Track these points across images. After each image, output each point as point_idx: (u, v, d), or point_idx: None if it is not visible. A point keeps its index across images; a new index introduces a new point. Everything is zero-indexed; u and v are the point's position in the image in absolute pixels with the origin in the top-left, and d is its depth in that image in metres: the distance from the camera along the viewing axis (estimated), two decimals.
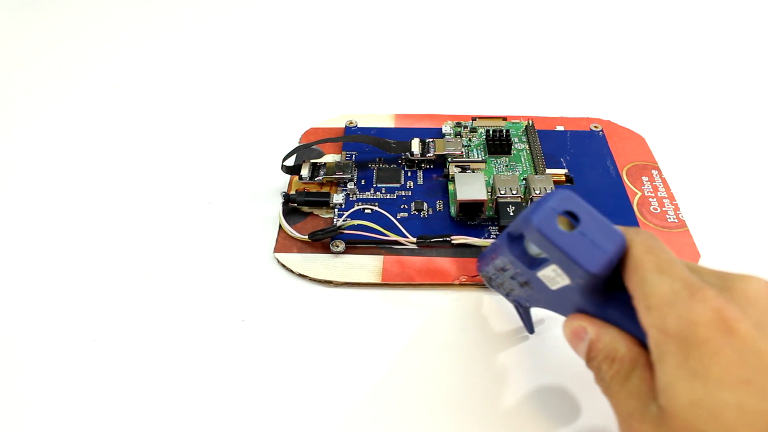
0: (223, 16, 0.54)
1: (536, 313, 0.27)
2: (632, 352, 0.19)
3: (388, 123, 0.40)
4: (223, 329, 0.28)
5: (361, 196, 0.34)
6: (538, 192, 0.31)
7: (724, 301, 0.17)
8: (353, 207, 0.32)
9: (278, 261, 0.31)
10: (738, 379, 0.16)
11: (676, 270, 0.18)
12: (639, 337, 0.19)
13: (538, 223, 0.19)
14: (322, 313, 0.29)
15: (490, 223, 0.32)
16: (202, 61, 0.48)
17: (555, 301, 0.22)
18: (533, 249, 0.21)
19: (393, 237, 0.31)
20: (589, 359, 0.20)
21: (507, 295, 0.26)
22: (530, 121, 0.38)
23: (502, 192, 0.31)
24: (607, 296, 0.20)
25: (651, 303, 0.18)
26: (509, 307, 0.29)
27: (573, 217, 0.19)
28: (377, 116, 0.41)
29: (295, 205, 0.33)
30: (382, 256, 0.31)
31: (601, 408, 0.24)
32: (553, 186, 0.31)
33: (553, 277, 0.20)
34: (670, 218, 0.33)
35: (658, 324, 0.17)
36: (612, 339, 0.19)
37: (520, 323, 0.28)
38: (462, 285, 0.30)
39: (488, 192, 0.33)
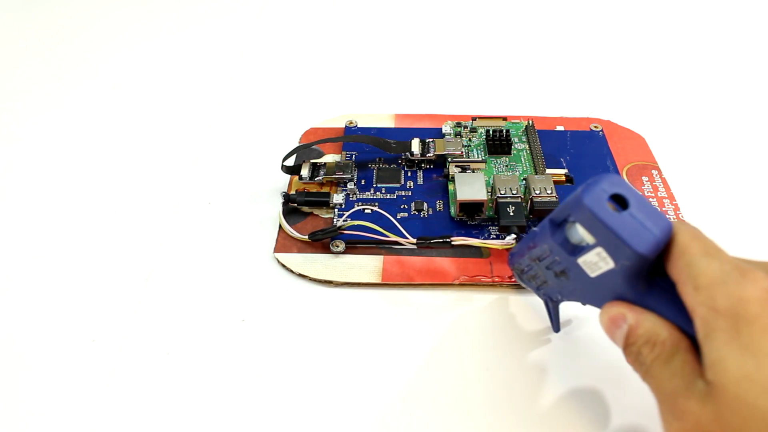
0: (223, 16, 0.54)
1: (538, 316, 0.27)
2: (674, 336, 0.19)
3: (388, 123, 0.40)
4: (223, 329, 0.28)
5: (361, 196, 0.34)
6: (538, 192, 0.31)
7: None
8: (353, 207, 0.32)
9: (278, 261, 0.31)
10: None
11: (723, 254, 0.19)
12: (679, 324, 0.19)
13: (590, 203, 0.19)
14: (322, 313, 0.29)
15: (490, 223, 0.32)
16: (202, 61, 0.48)
17: (591, 290, 0.22)
18: (575, 236, 0.21)
19: (393, 237, 0.31)
20: (628, 345, 0.20)
21: (537, 289, 0.26)
22: (530, 121, 0.38)
23: (502, 192, 0.31)
24: (648, 283, 0.20)
25: (699, 283, 0.18)
26: (510, 308, 0.29)
27: (621, 202, 0.20)
28: (377, 116, 0.41)
29: (295, 205, 0.33)
30: (382, 257, 0.31)
31: (612, 409, 0.24)
32: (553, 186, 0.32)
33: (596, 261, 0.21)
34: (670, 218, 0.32)
35: (708, 302, 0.18)
36: (653, 324, 0.20)
37: (522, 324, 0.28)
38: (462, 285, 0.30)
39: (488, 192, 0.33)
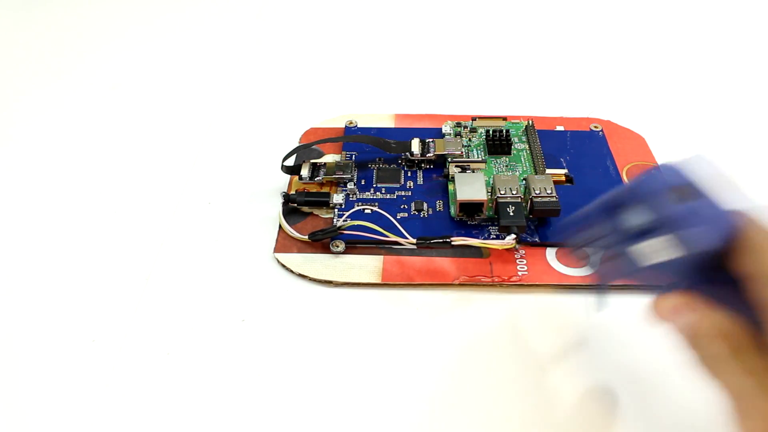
0: (223, 15, 0.54)
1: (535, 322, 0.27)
2: (743, 331, 0.19)
3: (388, 123, 0.40)
4: (223, 329, 0.28)
5: (361, 196, 0.34)
6: (538, 192, 0.31)
7: None
8: (353, 207, 0.32)
9: (278, 261, 0.31)
10: None
11: None
12: (746, 320, 0.19)
13: (654, 192, 0.19)
14: (322, 313, 0.29)
15: (490, 223, 0.32)
16: (201, 61, 0.48)
17: (648, 277, 0.21)
18: (631, 222, 0.21)
19: (393, 237, 0.31)
20: (693, 337, 0.20)
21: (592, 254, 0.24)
22: (530, 121, 0.38)
23: (502, 192, 0.31)
24: (710, 275, 0.20)
25: None
26: (510, 308, 0.29)
27: (685, 194, 0.19)
28: (377, 116, 0.41)
29: (295, 205, 0.33)
30: (382, 257, 0.31)
31: (616, 410, 0.24)
32: (553, 186, 0.31)
33: (657, 250, 0.20)
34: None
35: None
36: (720, 318, 0.19)
37: (522, 324, 0.28)
38: (462, 285, 0.30)
39: (488, 192, 0.33)
